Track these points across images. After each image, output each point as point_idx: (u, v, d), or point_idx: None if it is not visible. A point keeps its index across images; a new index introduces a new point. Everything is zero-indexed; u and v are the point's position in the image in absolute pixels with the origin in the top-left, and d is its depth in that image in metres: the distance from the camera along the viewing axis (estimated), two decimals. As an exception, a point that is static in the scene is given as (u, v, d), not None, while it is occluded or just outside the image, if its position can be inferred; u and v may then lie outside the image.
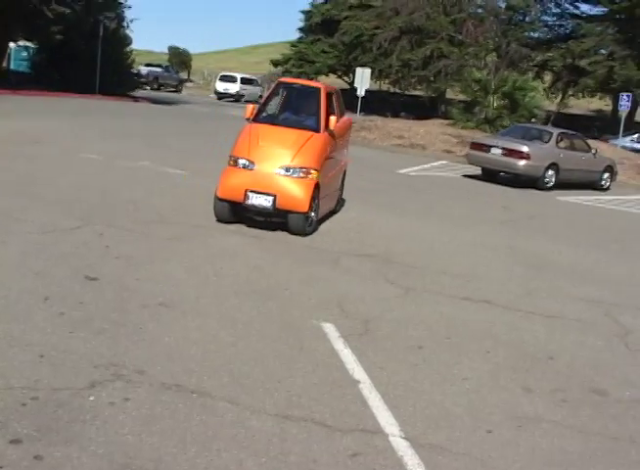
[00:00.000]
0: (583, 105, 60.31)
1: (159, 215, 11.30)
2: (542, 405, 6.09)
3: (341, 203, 14.02)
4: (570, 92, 55.30)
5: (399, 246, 11.54)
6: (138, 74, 51.92)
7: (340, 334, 7.03)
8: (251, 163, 11.21)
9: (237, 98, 60.59)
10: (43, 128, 21.74)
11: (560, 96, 55.86)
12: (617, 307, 9.52)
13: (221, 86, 62.40)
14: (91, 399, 5.14)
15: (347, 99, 44.81)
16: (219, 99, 61.09)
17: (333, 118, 11.94)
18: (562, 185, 22.85)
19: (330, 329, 7.14)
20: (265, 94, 13.33)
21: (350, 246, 11.08)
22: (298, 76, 50.96)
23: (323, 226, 12.17)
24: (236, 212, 11.43)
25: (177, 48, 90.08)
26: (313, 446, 4.87)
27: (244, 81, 62.78)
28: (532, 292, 9.75)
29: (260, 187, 11.06)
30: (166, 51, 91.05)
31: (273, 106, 12.88)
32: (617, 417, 6.08)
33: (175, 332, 6.61)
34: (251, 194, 11.06)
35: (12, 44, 48.14)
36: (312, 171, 11.24)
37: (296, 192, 11.05)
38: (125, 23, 45.98)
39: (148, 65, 62.57)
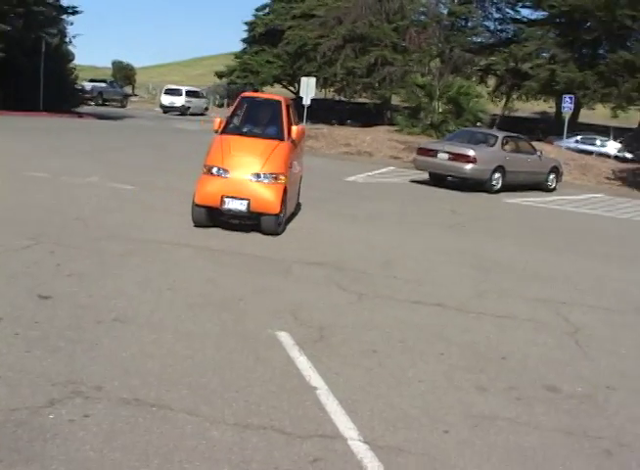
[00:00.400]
0: (528, 107, 61.19)
1: (109, 232, 11.26)
2: (497, 404, 6.21)
3: (298, 206, 14.71)
4: (514, 95, 56.16)
5: (350, 252, 11.65)
6: (82, 90, 51.66)
7: (295, 342, 7.10)
8: (225, 171, 12.25)
9: (182, 111, 60.50)
10: (-13, 148, 21.52)
11: (504, 99, 56.66)
12: (566, 306, 9.72)
13: (167, 100, 62.18)
14: (51, 417, 5.15)
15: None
16: (165, 112, 60.89)
17: (294, 128, 13.16)
18: (509, 187, 23.18)
19: (285, 337, 7.21)
20: (230, 108, 14.34)
21: (302, 254, 11.16)
22: (244, 87, 51.09)
23: (272, 236, 12.25)
24: (212, 217, 12.40)
25: (121, 62, 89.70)
26: (274, 454, 4.93)
27: (189, 94, 62.64)
28: (483, 293, 9.91)
29: (235, 193, 12.11)
30: (110, 66, 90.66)
31: (238, 118, 13.71)
32: (571, 412, 6.23)
33: (131, 347, 6.63)
34: (227, 199, 12.10)
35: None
36: (281, 177, 12.32)
37: (267, 196, 12.12)
38: (68, 39, 45.82)
39: (92, 80, 62.29)
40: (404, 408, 5.87)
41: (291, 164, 12.97)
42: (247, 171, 12.24)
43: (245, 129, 13.39)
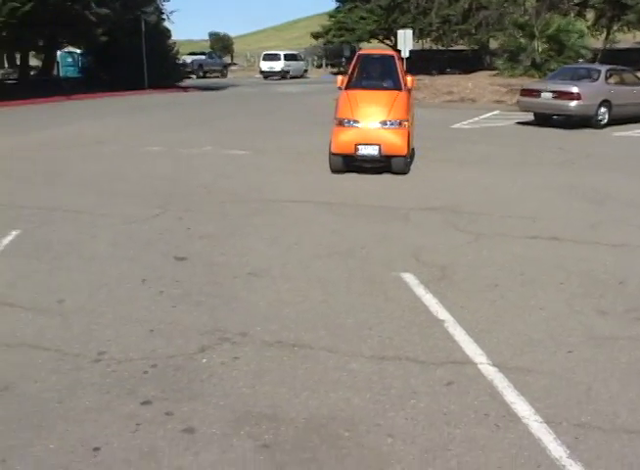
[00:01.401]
0: (629, 39, 59.38)
1: (231, 195, 11.84)
2: (617, 325, 6.45)
3: (413, 152, 15.53)
4: (614, 28, 54.49)
5: (464, 196, 11.90)
6: (183, 65, 52.63)
7: (419, 281, 7.48)
8: (356, 121, 13.76)
9: (282, 75, 61.08)
10: (102, 128, 22.51)
11: (604, 33, 55.10)
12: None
13: (266, 65, 62.84)
14: (204, 361, 5.67)
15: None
16: (265, 78, 61.58)
17: (409, 78, 14.68)
18: (616, 121, 22.82)
19: (409, 278, 7.59)
20: (350, 66, 15.67)
21: (417, 201, 11.49)
22: (340, 46, 51.21)
23: (389, 185, 12.71)
24: (346, 163, 13.90)
25: (217, 33, 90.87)
26: (411, 381, 5.33)
27: (287, 58, 63.16)
28: (597, 225, 10.05)
29: (367, 140, 13.66)
30: (207, 38, 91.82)
31: (358, 74, 15.08)
32: (692, 327, 6.43)
33: (268, 296, 7.12)
34: (360, 146, 13.65)
35: (58, 52, 49.26)
36: (404, 122, 13.80)
37: (395, 140, 13.63)
38: (165, 16, 46.70)
39: (191, 53, 63.27)
40: (528, 334, 6.19)
41: (410, 110, 14.35)
42: (375, 120, 13.71)
43: (366, 83, 14.80)
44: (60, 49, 49.36)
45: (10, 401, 5.05)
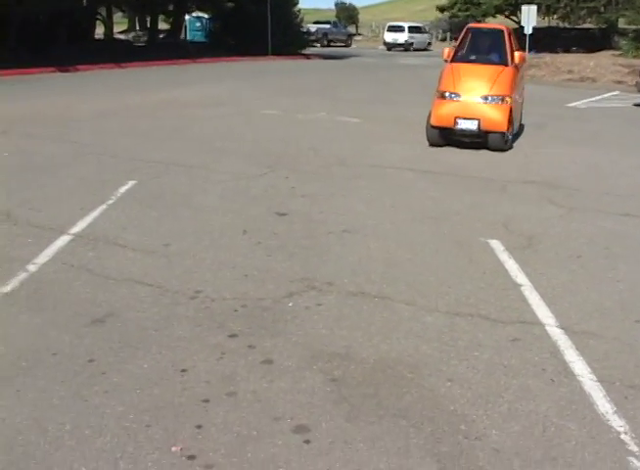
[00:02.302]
0: None
1: (337, 159, 12.31)
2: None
3: (521, 128, 15.74)
4: None
5: (565, 172, 12.03)
6: (307, 33, 53.13)
7: (505, 248, 7.78)
8: (457, 94, 13.68)
9: (406, 47, 61.08)
10: (224, 91, 23.28)
11: None
12: None
13: (390, 37, 62.94)
14: (290, 305, 6.15)
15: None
16: (389, 49, 61.70)
17: (517, 54, 14.33)
18: None
19: (496, 244, 7.90)
20: (459, 38, 15.62)
21: (518, 174, 11.70)
22: (466, 20, 50.78)
23: (492, 157, 12.97)
24: (445, 137, 13.83)
25: (344, 3, 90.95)
26: (479, 335, 5.68)
27: (411, 30, 63.06)
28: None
29: (467, 114, 13.54)
30: (333, 7, 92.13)
31: (465, 48, 15.06)
32: None
33: (358, 252, 7.56)
34: (459, 120, 13.56)
35: (186, 16, 50.60)
36: (507, 98, 13.60)
37: (495, 116, 13.46)
38: (292, -16, 47.26)
39: (316, 22, 63.77)
40: (601, 302, 6.43)
41: (515, 86, 14.09)
42: (476, 94, 13.59)
43: (472, 57, 14.72)
44: (188, 14, 50.63)
45: (113, 326, 5.64)
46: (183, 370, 4.96)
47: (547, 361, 5.26)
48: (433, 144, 13.89)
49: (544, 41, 46.00)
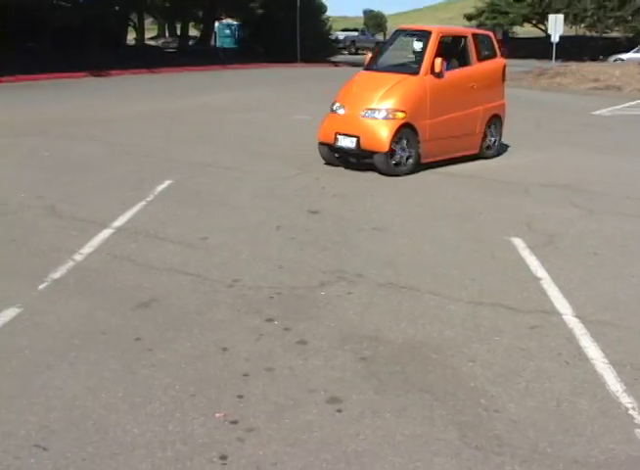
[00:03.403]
0: None
1: (366, 162, 12.68)
2: None
3: (500, 149, 14.21)
4: None
5: (588, 177, 12.34)
6: (336, 40, 53.66)
7: (526, 245, 8.16)
8: (342, 107, 12.04)
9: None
10: (254, 97, 23.80)
11: None
12: None
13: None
14: (322, 293, 6.56)
15: (543, 46, 44.54)
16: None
17: (438, 61, 11.88)
18: None
19: (518, 242, 8.28)
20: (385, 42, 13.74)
21: (542, 178, 12.04)
22: (493, 28, 51.02)
23: (516, 163, 13.30)
24: (334, 155, 12.30)
25: (372, 11, 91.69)
26: (499, 322, 6.06)
27: (439, 38, 63.14)
28: None
29: (346, 130, 11.78)
30: (361, 15, 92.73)
31: (385, 53, 13.21)
32: None
33: (387, 248, 7.97)
34: (339, 136, 11.87)
35: (216, 23, 51.28)
36: (396, 113, 11.54)
37: (376, 133, 11.50)
38: (321, -8, 47.85)
39: (344, 30, 64.31)
40: (616, 295, 6.78)
41: (429, 99, 11.92)
42: (360, 107, 11.75)
43: (380, 64, 12.79)
44: (218, 20, 51.33)
45: (157, 310, 6.07)
46: (224, 349, 5.37)
47: (563, 346, 5.62)
48: (327, 162, 12.41)
49: (571, 50, 46.22)
